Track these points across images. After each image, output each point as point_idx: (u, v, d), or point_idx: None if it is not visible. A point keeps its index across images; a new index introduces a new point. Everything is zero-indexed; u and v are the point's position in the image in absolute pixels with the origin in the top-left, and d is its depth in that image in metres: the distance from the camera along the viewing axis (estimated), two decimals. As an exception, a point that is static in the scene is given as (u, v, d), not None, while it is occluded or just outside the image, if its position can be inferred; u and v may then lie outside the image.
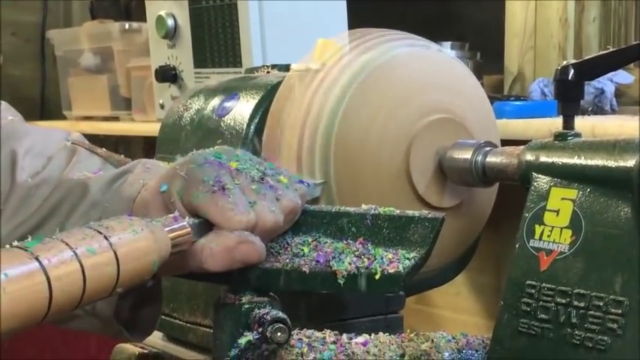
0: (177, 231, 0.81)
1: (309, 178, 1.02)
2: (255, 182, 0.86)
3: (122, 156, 1.05)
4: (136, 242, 0.75)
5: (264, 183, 0.87)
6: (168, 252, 0.79)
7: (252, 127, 1.09)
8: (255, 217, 0.84)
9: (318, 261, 0.87)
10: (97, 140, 2.42)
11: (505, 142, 1.10)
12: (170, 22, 1.68)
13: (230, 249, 0.83)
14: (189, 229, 0.82)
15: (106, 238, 0.73)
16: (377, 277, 0.84)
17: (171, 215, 0.83)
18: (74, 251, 0.71)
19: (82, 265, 0.70)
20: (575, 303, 0.84)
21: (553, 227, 0.88)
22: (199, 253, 0.83)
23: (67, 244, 0.71)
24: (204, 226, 0.84)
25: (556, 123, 0.96)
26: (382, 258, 0.85)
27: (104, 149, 1.06)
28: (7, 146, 1.01)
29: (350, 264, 0.85)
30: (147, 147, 2.52)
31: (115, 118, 2.40)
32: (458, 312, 1.81)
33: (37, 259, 0.68)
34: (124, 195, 0.92)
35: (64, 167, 1.01)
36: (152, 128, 1.91)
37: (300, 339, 0.89)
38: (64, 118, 2.61)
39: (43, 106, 2.89)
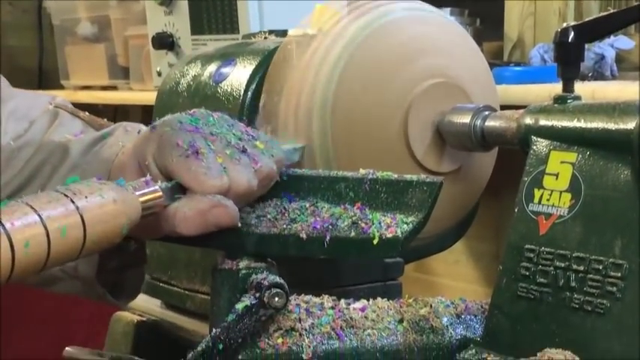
0: (147, 195, 0.81)
1: (304, 142, 1.02)
2: (230, 147, 0.86)
3: (105, 120, 1.05)
4: (103, 206, 0.76)
5: (239, 148, 0.86)
6: (139, 215, 0.80)
7: (250, 93, 1.08)
8: (228, 181, 0.84)
9: (315, 227, 0.86)
10: (95, 109, 2.42)
11: (504, 108, 1.09)
12: (166, -12, 1.67)
13: (203, 212, 0.83)
14: (160, 192, 0.82)
15: (72, 201, 0.73)
16: (375, 241, 0.83)
17: (143, 179, 0.83)
18: (39, 214, 0.71)
19: (46, 229, 0.71)
20: (575, 267, 0.83)
21: (552, 191, 0.87)
22: (172, 216, 0.83)
23: (31, 207, 0.71)
24: (178, 190, 0.84)
25: (556, 88, 0.95)
26: (380, 223, 0.84)
27: (87, 113, 1.07)
28: None
29: (347, 229, 0.85)
30: (145, 115, 2.51)
31: (113, 87, 2.39)
32: (457, 280, 1.81)
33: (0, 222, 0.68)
34: (102, 157, 0.93)
35: (46, 130, 1.02)
36: (150, 97, 1.89)
37: (297, 304, 0.89)
38: (62, 87, 2.60)
39: (41, 75, 2.88)
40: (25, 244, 0.69)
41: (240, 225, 0.86)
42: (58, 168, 0.96)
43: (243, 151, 0.86)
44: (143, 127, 0.97)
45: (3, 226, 0.68)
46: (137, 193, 0.80)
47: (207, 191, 0.83)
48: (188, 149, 0.84)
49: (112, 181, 0.80)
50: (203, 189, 0.83)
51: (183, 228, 0.83)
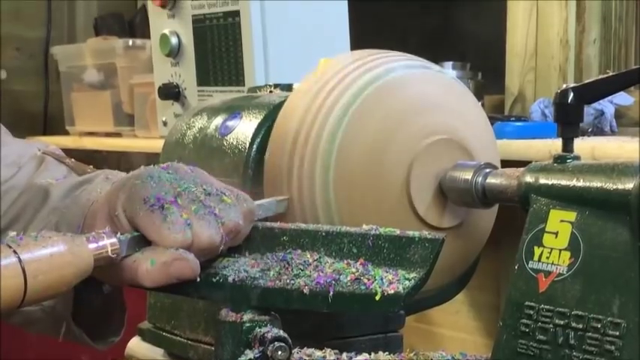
0: (102, 247, 0.84)
1: (309, 198, 1.03)
2: (197, 202, 0.88)
3: (91, 167, 1.08)
4: (49, 258, 0.80)
5: (205, 202, 0.88)
6: (90, 266, 0.83)
7: (255, 147, 1.10)
8: (191, 235, 0.86)
9: (318, 282, 0.87)
10: (99, 156, 2.44)
11: (506, 163, 1.11)
12: (174, 40, 1.69)
13: (165, 265, 0.85)
14: (117, 245, 0.85)
15: (15, 252, 0.79)
16: (377, 297, 0.85)
17: (102, 230, 0.86)
18: None
19: None
20: (574, 324, 0.84)
21: (552, 249, 0.89)
22: (134, 267, 0.86)
23: None
24: (142, 241, 0.87)
25: (556, 144, 0.96)
26: (382, 279, 0.86)
27: (73, 160, 1.10)
28: None
29: (350, 284, 0.86)
30: (149, 163, 2.53)
31: (118, 134, 2.41)
32: (457, 330, 1.81)
33: None
34: (80, 202, 0.96)
35: (32, 174, 1.05)
36: (154, 144, 1.92)
37: (300, 357, 0.90)
38: (66, 133, 2.62)
39: (46, 121, 2.91)
40: None
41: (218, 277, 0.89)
42: (39, 211, 1.01)
43: (210, 205, 0.88)
44: (122, 175, 0.99)
45: None
46: (91, 245, 0.83)
47: (169, 245, 0.86)
48: (154, 203, 0.86)
49: (77, 230, 0.86)
50: (166, 243, 0.85)
51: (145, 279, 0.86)
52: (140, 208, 0.86)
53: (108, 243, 0.85)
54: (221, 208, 0.89)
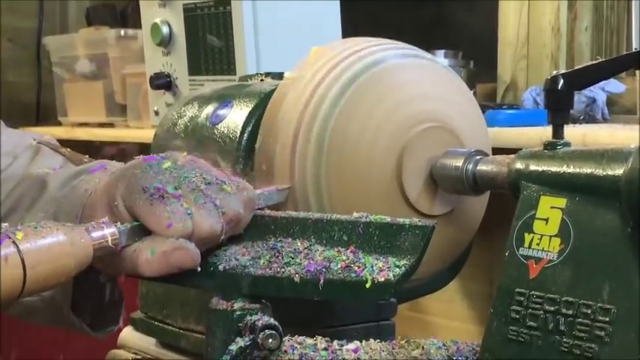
0: (102, 237, 0.84)
1: (301, 185, 1.03)
2: (196, 191, 0.88)
3: (87, 157, 1.08)
4: (48, 248, 0.80)
5: (205, 192, 0.88)
6: (89, 257, 0.83)
7: (246, 135, 1.10)
8: (191, 225, 0.86)
9: (308, 270, 0.87)
10: (92, 146, 2.43)
11: (497, 151, 1.11)
12: (165, 29, 1.69)
13: (166, 254, 0.85)
14: (117, 235, 0.85)
15: (14, 242, 0.78)
16: (367, 285, 0.85)
17: (102, 220, 0.85)
18: None
19: None
20: (564, 311, 0.85)
21: (542, 235, 0.89)
22: (134, 257, 0.85)
23: None
24: (141, 231, 0.86)
25: (548, 132, 0.96)
26: (372, 266, 0.86)
27: (68, 149, 1.10)
28: None
29: (340, 272, 0.86)
30: (142, 153, 2.52)
31: (110, 125, 2.41)
32: (451, 319, 1.81)
33: None
34: (78, 193, 0.96)
35: (28, 164, 1.05)
36: (147, 135, 1.91)
37: (291, 345, 0.90)
38: (59, 124, 2.62)
39: (39, 112, 2.90)
40: None
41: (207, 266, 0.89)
42: (37, 201, 1.00)
43: (210, 195, 0.88)
44: (122, 166, 0.99)
45: None
46: (91, 235, 0.83)
47: (169, 234, 0.85)
48: (154, 193, 0.86)
49: (75, 220, 0.85)
50: (166, 233, 0.85)
51: (146, 269, 0.86)
52: (140, 197, 0.86)
53: (107, 233, 0.84)
54: (221, 198, 0.89)
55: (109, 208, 0.89)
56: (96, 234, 0.84)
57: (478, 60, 1.88)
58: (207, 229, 0.87)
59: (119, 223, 0.86)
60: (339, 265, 0.87)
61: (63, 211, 0.96)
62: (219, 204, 0.88)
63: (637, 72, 1.51)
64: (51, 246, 0.80)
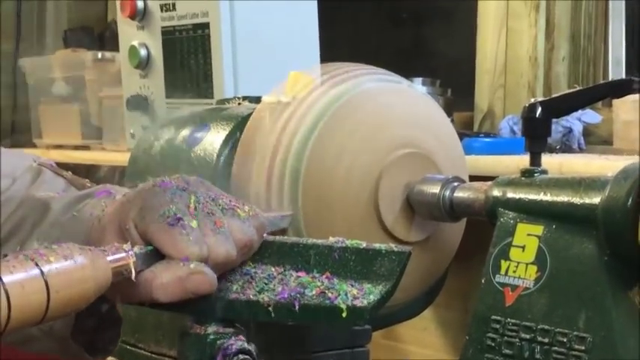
0: (120, 260, 0.81)
1: (278, 209, 1.02)
2: (211, 215, 0.87)
3: (87, 181, 1.06)
4: (70, 271, 0.76)
5: (219, 216, 0.87)
6: (109, 280, 0.80)
7: (222, 158, 1.09)
8: (207, 250, 0.84)
9: (282, 297, 0.86)
10: (66, 169, 2.42)
11: (474, 178, 1.11)
12: (143, 52, 1.68)
13: (181, 279, 0.83)
14: (134, 258, 0.82)
15: (37, 265, 0.74)
16: (342, 310, 0.84)
17: (117, 244, 0.83)
18: (0, 279, 0.71)
19: (7, 293, 0.71)
20: (540, 338, 0.84)
21: (519, 263, 0.89)
22: (149, 282, 0.83)
23: None
24: (155, 256, 0.84)
25: (524, 160, 0.97)
26: (347, 293, 0.85)
27: (70, 172, 1.08)
28: None
29: (315, 298, 0.85)
30: (118, 176, 2.51)
31: (86, 147, 2.40)
32: (425, 347, 1.81)
33: None
34: (83, 217, 0.93)
35: (29, 187, 1.03)
36: (123, 157, 1.90)
37: (265, 371, 0.89)
38: (34, 145, 2.60)
39: (14, 133, 2.88)
40: None
41: None
42: (39, 224, 0.97)
43: (224, 220, 0.87)
44: (126, 191, 0.97)
45: None
46: (109, 257, 0.80)
47: (186, 259, 0.83)
48: (169, 216, 0.84)
49: (83, 246, 0.80)
50: (181, 256, 0.83)
51: (161, 294, 0.83)
52: (155, 221, 0.84)
53: (125, 256, 0.81)
54: (236, 223, 0.88)
55: (119, 232, 0.87)
56: (114, 257, 0.81)
57: (456, 88, 1.89)
58: (223, 254, 0.86)
59: (135, 246, 0.84)
60: (313, 292, 0.86)
61: (67, 236, 0.93)
62: (234, 229, 0.87)
63: (613, 102, 1.52)
64: (73, 269, 0.76)
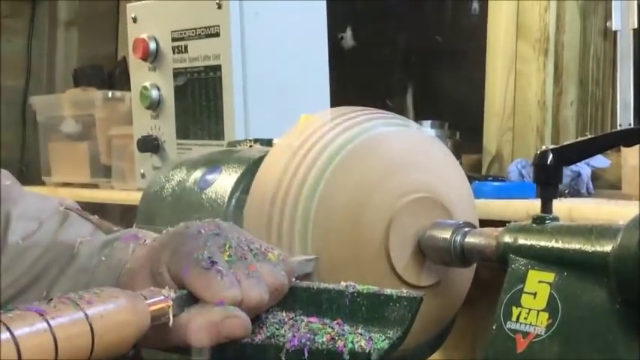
0: (158, 304, 0.81)
1: (300, 254, 1.03)
2: (244, 260, 0.87)
3: (113, 225, 1.06)
4: (113, 315, 0.75)
5: (252, 260, 0.88)
6: (148, 325, 0.79)
7: (234, 201, 1.10)
8: (240, 293, 0.84)
9: (292, 344, 0.86)
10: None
11: (483, 222, 1.12)
12: (154, 93, 1.70)
13: (216, 324, 0.83)
14: (171, 302, 0.82)
15: (82, 309, 0.73)
16: (354, 357, 0.84)
17: (154, 288, 0.83)
18: (47, 322, 0.71)
19: (54, 337, 0.71)
20: (551, 386, 0.84)
21: (530, 310, 0.89)
22: (183, 326, 0.83)
23: (40, 314, 0.71)
24: (189, 300, 0.84)
25: (534, 204, 0.97)
26: (358, 340, 0.85)
27: (97, 216, 1.07)
28: (1, 209, 1.02)
29: (325, 345, 0.85)
30: (125, 216, 2.51)
31: (95, 186, 2.40)
32: (433, 390, 1.80)
33: (8, 329, 0.68)
34: (112, 262, 0.93)
35: (56, 230, 1.02)
36: (131, 197, 1.91)
37: (276, 415, 0.88)
38: (42, 183, 2.61)
39: (22, 171, 2.89)
40: (31, 350, 0.69)
41: None
42: (66, 270, 0.96)
43: (256, 264, 0.87)
44: (153, 235, 0.97)
45: (12, 333, 0.68)
46: (148, 301, 0.80)
47: (221, 303, 0.84)
48: (203, 260, 0.85)
49: (122, 290, 0.80)
50: (216, 300, 0.83)
51: (195, 339, 0.83)
52: (189, 265, 0.84)
53: (163, 300, 0.81)
54: (267, 267, 0.89)
55: (151, 276, 0.87)
56: (152, 301, 0.80)
57: (464, 131, 1.90)
58: (256, 297, 0.86)
59: (171, 290, 0.84)
60: (324, 338, 0.86)
61: (96, 282, 0.92)
62: (266, 273, 0.88)
63: (622, 148, 1.52)
64: (116, 312, 0.75)
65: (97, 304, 0.75)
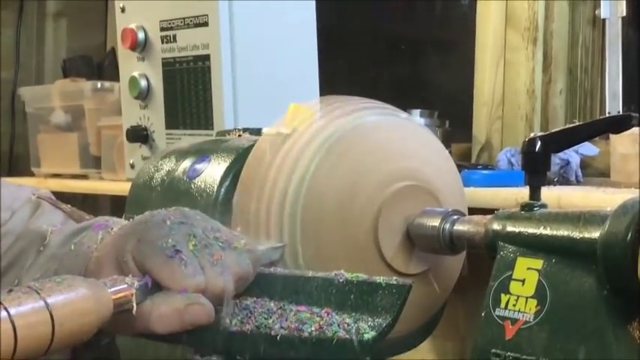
0: (121, 292, 0.82)
1: (277, 242, 1.03)
2: (208, 248, 0.88)
3: (85, 213, 1.07)
4: (74, 303, 0.77)
5: (217, 249, 0.88)
6: (110, 313, 0.81)
7: (223, 190, 1.10)
8: (204, 281, 0.85)
9: (281, 333, 0.87)
10: (63, 198, 2.42)
11: (472, 210, 1.12)
12: (143, 83, 1.69)
13: (179, 311, 0.84)
14: (133, 290, 0.83)
15: (42, 298, 0.75)
16: (343, 346, 0.84)
17: (117, 276, 0.84)
18: (7, 310, 0.72)
19: (14, 325, 0.72)
20: (540, 372, 0.85)
21: (519, 296, 0.89)
22: (147, 314, 0.84)
23: (1, 303, 0.73)
24: (154, 288, 0.85)
25: (522, 192, 0.97)
26: (347, 328, 0.85)
27: (69, 205, 1.08)
28: None
29: (315, 333, 0.86)
30: (114, 206, 2.51)
31: (84, 176, 2.40)
32: (422, 378, 1.80)
33: None
34: (81, 250, 0.94)
35: (28, 219, 1.03)
36: (121, 187, 1.91)
37: (266, 404, 0.89)
38: (32, 174, 2.60)
39: (12, 162, 2.89)
40: None
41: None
42: (37, 258, 0.98)
43: (221, 252, 0.88)
44: (124, 223, 0.98)
45: None
46: (110, 290, 0.81)
47: (184, 290, 0.84)
48: (167, 249, 0.85)
49: (85, 278, 0.81)
50: (180, 288, 0.84)
51: (159, 326, 0.84)
52: (153, 254, 0.85)
53: (126, 288, 0.83)
54: (233, 255, 0.89)
55: (116, 264, 0.88)
56: (115, 289, 0.82)
57: (454, 120, 1.90)
58: (220, 285, 0.87)
59: (134, 278, 0.85)
60: (312, 327, 0.87)
61: (65, 269, 0.94)
62: (231, 261, 0.88)
63: (611, 135, 1.53)
64: (77, 301, 0.77)
65: (58, 292, 0.76)
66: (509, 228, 0.93)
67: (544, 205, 0.94)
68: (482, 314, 0.91)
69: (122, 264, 0.87)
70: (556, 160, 1.57)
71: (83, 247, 0.95)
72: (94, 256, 0.92)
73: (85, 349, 0.96)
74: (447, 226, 1.03)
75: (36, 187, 1.14)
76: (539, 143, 0.94)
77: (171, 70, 1.64)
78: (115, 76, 1.93)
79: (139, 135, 1.71)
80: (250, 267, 0.90)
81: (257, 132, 1.19)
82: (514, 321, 0.88)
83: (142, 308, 0.84)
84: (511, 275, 0.90)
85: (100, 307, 0.79)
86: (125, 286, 0.83)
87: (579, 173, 1.60)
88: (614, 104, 1.74)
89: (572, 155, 1.58)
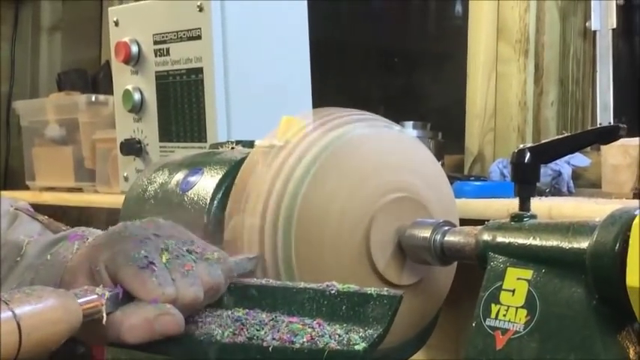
0: (90, 302, 0.83)
1: (269, 254, 1.04)
2: (180, 258, 0.89)
3: (62, 224, 1.08)
4: (42, 313, 0.78)
5: (188, 259, 0.89)
6: (79, 322, 0.81)
7: (216, 203, 1.10)
8: (175, 292, 0.86)
9: (273, 344, 0.87)
10: (59, 211, 2.43)
11: (464, 221, 1.12)
12: (137, 96, 1.70)
13: (149, 321, 0.85)
14: (103, 300, 0.84)
15: (10, 309, 0.75)
16: (334, 356, 0.84)
17: (88, 286, 0.85)
18: None
19: None
20: (530, 382, 0.85)
21: (509, 307, 0.90)
22: (118, 324, 0.85)
23: None
24: (125, 298, 0.86)
25: (514, 203, 0.98)
26: (338, 339, 0.86)
27: (46, 217, 1.09)
28: None
29: (305, 345, 0.86)
30: (109, 219, 2.51)
31: (79, 190, 2.40)
32: (417, 390, 1.80)
33: None
34: (57, 260, 0.95)
35: (5, 231, 1.04)
36: (115, 200, 1.91)
37: (258, 415, 0.89)
38: (27, 188, 2.61)
39: (7, 175, 2.89)
40: None
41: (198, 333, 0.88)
42: (14, 268, 0.99)
43: (192, 263, 0.89)
44: (99, 233, 0.99)
45: None
46: (80, 300, 0.82)
47: (154, 301, 0.85)
48: (139, 259, 0.86)
49: (54, 288, 0.82)
50: (150, 298, 0.85)
51: (130, 336, 0.85)
52: (125, 264, 0.86)
53: (96, 299, 0.83)
54: (204, 266, 0.90)
55: (90, 274, 0.89)
56: (85, 299, 0.82)
57: (446, 132, 1.91)
58: (191, 295, 0.87)
59: (105, 288, 0.86)
60: (304, 339, 0.87)
61: (41, 279, 0.95)
62: (202, 272, 0.89)
63: (601, 146, 1.53)
64: (45, 311, 0.78)
65: (27, 303, 0.77)
66: (499, 239, 0.94)
67: (534, 216, 0.94)
68: (473, 324, 0.91)
69: (95, 274, 0.88)
70: (548, 171, 1.58)
71: (59, 258, 0.96)
72: (69, 266, 0.93)
73: (60, 359, 0.97)
74: (438, 237, 1.04)
75: (14, 198, 1.15)
76: (528, 154, 0.95)
77: (165, 83, 1.65)
78: (109, 90, 1.93)
79: (133, 148, 1.72)
80: (222, 277, 0.91)
81: (250, 144, 1.20)
82: (504, 331, 0.89)
83: (113, 318, 0.85)
84: (501, 285, 0.91)
85: (69, 317, 0.80)
86: (95, 296, 0.84)
87: (571, 184, 1.61)
88: (605, 115, 1.75)
89: (564, 166, 1.59)
